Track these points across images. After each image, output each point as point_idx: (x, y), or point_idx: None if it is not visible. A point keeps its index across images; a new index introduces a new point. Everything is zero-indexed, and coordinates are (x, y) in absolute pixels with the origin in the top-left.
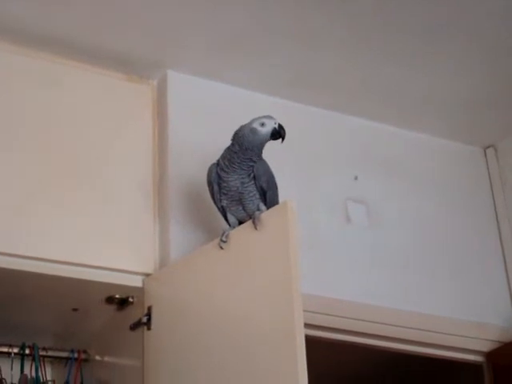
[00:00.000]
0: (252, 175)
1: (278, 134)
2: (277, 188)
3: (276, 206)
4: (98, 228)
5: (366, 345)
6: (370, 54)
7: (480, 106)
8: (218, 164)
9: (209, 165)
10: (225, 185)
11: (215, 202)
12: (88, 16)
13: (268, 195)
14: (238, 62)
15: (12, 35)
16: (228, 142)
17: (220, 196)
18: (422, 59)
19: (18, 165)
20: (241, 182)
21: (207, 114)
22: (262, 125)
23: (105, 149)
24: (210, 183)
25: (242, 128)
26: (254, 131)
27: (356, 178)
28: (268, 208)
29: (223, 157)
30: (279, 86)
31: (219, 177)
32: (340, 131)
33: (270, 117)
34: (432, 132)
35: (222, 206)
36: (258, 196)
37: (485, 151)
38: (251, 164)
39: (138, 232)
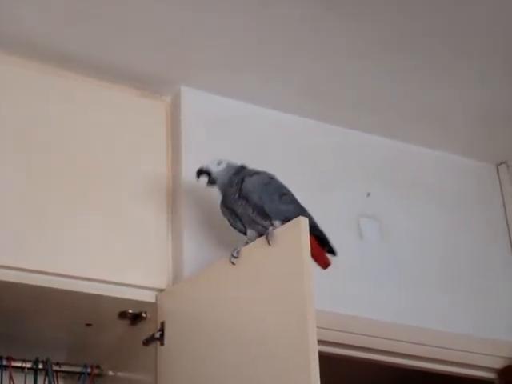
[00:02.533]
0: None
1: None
2: (280, 194)
3: (289, 223)
4: (111, 243)
5: (378, 361)
6: (383, 70)
7: (492, 122)
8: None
9: None
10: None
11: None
12: (101, 32)
13: (267, 207)
14: (250, 78)
15: (25, 50)
16: (241, 159)
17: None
18: (435, 75)
19: (32, 180)
20: (240, 212)
21: (220, 130)
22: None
23: (118, 164)
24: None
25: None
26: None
27: (368, 195)
28: (283, 220)
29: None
30: (292, 102)
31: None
32: (352, 148)
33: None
34: (444, 148)
35: (240, 229)
36: (258, 214)
37: (497, 168)
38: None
39: (151, 247)
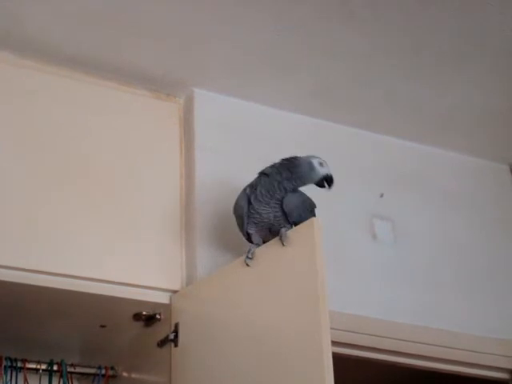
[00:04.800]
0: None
1: (328, 181)
2: (312, 211)
3: (302, 224)
4: (125, 245)
5: (392, 362)
6: (394, 72)
7: (505, 122)
8: (249, 193)
9: (235, 183)
10: (257, 216)
11: (242, 230)
12: (114, 35)
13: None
14: (263, 79)
15: (38, 53)
16: (254, 160)
17: (248, 225)
18: (446, 76)
19: (47, 184)
20: (274, 215)
21: (233, 131)
22: (321, 165)
23: (132, 166)
24: (240, 217)
25: (298, 158)
26: (311, 166)
27: (382, 196)
28: None
29: (261, 185)
30: (305, 103)
31: (250, 206)
32: (365, 148)
33: (326, 163)
34: (457, 149)
35: (248, 233)
36: (288, 226)
37: (510, 168)
38: (283, 196)
39: (165, 249)
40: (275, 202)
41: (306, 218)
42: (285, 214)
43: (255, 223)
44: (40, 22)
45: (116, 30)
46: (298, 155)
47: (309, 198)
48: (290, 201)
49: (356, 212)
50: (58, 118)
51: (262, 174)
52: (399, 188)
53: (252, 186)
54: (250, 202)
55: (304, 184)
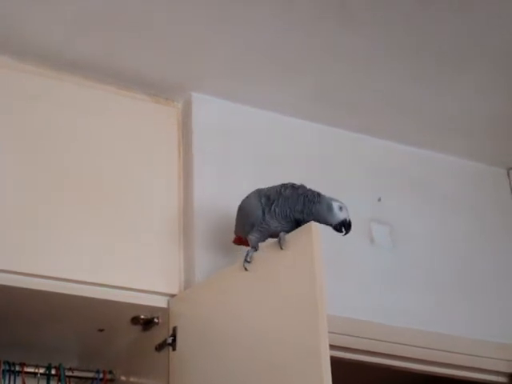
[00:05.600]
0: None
1: (346, 227)
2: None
3: (301, 228)
4: (123, 249)
5: (390, 366)
6: (394, 76)
7: (503, 127)
8: (264, 205)
9: (234, 187)
10: (265, 227)
11: (242, 232)
12: (113, 40)
13: None
14: (262, 83)
15: (37, 58)
16: (253, 165)
17: (253, 232)
18: (446, 80)
19: (45, 187)
20: (281, 229)
21: (232, 135)
22: (340, 209)
23: (131, 170)
24: (250, 224)
25: (318, 196)
26: (330, 208)
27: (379, 200)
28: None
29: (277, 204)
30: (304, 107)
31: (262, 216)
32: (364, 153)
33: (346, 208)
34: (455, 153)
35: (250, 238)
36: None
37: (508, 172)
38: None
39: (163, 253)
40: (287, 221)
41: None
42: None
43: (261, 231)
44: (39, 27)
45: (115, 34)
46: (321, 193)
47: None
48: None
49: (354, 216)
50: (58, 121)
51: (281, 193)
52: (398, 192)
53: (268, 199)
54: (263, 213)
55: (318, 222)
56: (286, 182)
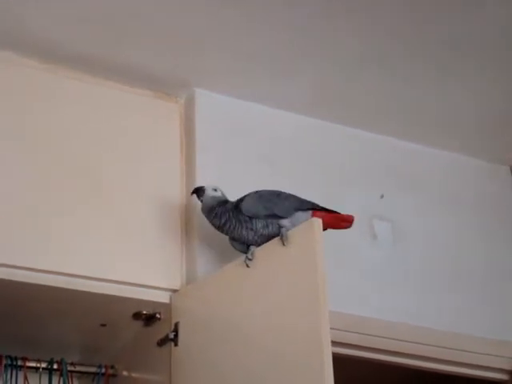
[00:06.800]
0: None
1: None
2: (276, 195)
3: (303, 224)
4: (126, 244)
5: (391, 362)
6: (394, 72)
7: (505, 123)
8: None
9: (236, 182)
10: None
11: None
12: (116, 35)
13: (277, 210)
14: (264, 79)
15: (39, 53)
16: (254, 161)
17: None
18: (447, 76)
19: (48, 183)
20: (253, 237)
21: (234, 131)
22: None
23: (133, 166)
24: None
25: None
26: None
27: (382, 197)
28: (282, 214)
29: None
30: (305, 104)
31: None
32: (366, 150)
33: None
34: (458, 150)
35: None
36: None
37: (510, 169)
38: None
39: (165, 248)
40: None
41: (276, 204)
42: (250, 218)
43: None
44: (42, 22)
45: (118, 29)
46: None
47: (263, 191)
48: (245, 206)
49: (356, 213)
50: (60, 117)
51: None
52: (399, 189)
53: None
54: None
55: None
56: (287, 177)
